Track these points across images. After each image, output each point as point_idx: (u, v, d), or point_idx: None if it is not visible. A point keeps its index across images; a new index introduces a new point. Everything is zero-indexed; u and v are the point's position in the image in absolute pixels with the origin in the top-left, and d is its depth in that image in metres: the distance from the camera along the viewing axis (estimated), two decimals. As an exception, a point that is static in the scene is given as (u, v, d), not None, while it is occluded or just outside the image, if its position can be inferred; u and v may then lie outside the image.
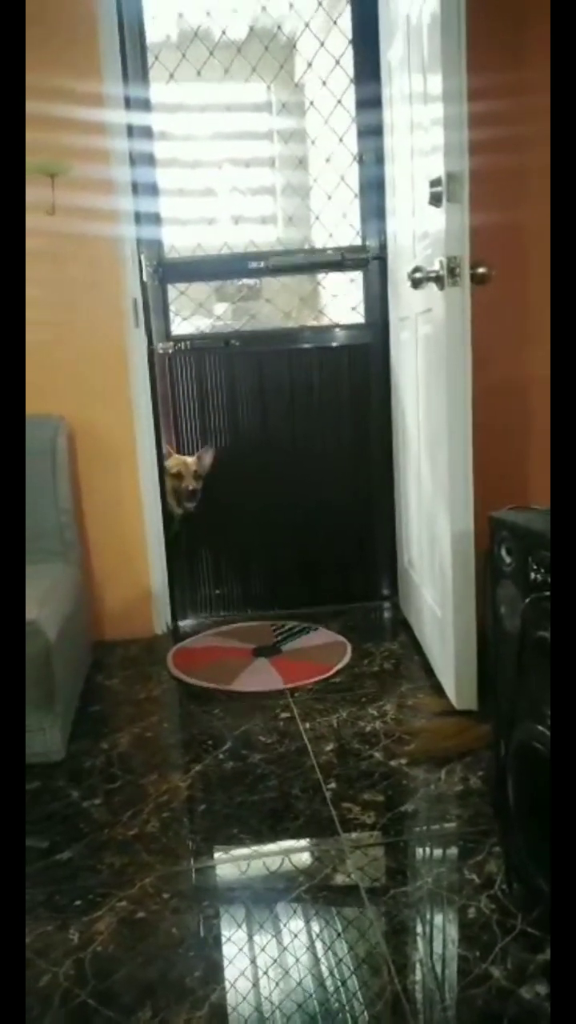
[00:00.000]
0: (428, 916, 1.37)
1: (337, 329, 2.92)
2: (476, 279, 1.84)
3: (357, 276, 2.86)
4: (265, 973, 1.26)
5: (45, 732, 1.91)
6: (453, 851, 1.54)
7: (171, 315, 2.90)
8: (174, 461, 2.83)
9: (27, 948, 1.33)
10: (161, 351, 2.82)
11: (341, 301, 2.96)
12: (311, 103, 2.94)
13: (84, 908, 1.42)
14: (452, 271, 1.81)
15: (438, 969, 1.25)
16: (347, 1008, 1.18)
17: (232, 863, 1.56)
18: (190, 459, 2.84)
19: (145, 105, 2.67)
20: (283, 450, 2.93)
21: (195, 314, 3.10)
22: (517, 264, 2.49)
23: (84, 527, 2.70)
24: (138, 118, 2.62)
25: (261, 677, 2.38)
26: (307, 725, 2.06)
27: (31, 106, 2.40)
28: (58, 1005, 1.21)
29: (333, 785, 1.77)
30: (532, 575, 1.33)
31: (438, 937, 1.32)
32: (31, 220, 2.49)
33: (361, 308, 2.88)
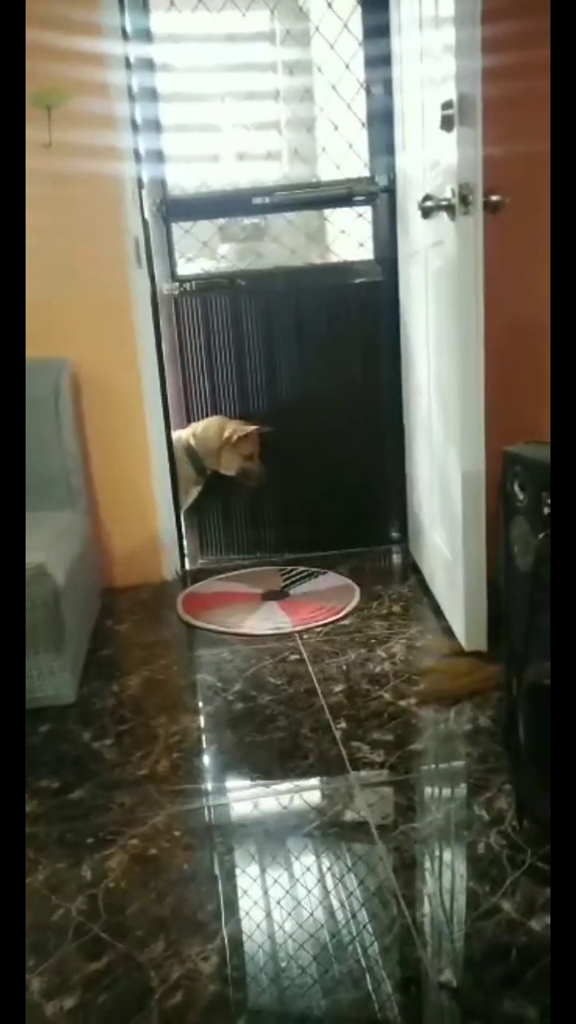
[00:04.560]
0: (438, 851, 1.37)
1: (345, 266, 2.84)
2: (489, 207, 1.77)
3: (365, 211, 2.76)
4: (278, 903, 1.27)
5: (55, 675, 1.92)
6: (463, 789, 1.54)
7: (175, 256, 2.83)
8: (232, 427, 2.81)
9: (41, 884, 1.34)
10: (166, 292, 2.75)
11: (349, 237, 2.87)
12: (316, 28, 2.82)
13: (96, 845, 1.43)
14: (464, 199, 1.73)
15: (448, 902, 1.25)
16: (358, 940, 1.19)
17: (243, 802, 1.57)
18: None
19: (145, 35, 2.55)
20: (291, 392, 2.88)
21: (200, 255, 3.02)
22: (532, 198, 2.38)
23: (91, 473, 2.67)
24: (137, 50, 2.51)
25: (270, 620, 2.37)
26: (316, 667, 2.06)
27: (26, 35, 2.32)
28: (71, 938, 1.22)
29: (343, 725, 1.77)
30: (546, 511, 1.30)
31: (448, 871, 1.33)
32: (27, 155, 2.41)
33: (370, 244, 2.79)
